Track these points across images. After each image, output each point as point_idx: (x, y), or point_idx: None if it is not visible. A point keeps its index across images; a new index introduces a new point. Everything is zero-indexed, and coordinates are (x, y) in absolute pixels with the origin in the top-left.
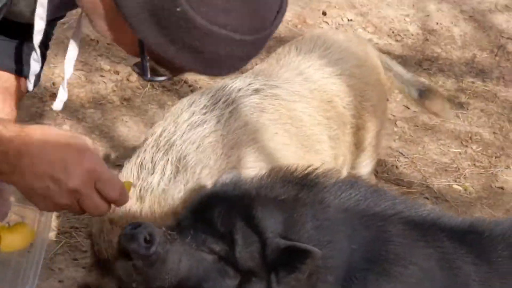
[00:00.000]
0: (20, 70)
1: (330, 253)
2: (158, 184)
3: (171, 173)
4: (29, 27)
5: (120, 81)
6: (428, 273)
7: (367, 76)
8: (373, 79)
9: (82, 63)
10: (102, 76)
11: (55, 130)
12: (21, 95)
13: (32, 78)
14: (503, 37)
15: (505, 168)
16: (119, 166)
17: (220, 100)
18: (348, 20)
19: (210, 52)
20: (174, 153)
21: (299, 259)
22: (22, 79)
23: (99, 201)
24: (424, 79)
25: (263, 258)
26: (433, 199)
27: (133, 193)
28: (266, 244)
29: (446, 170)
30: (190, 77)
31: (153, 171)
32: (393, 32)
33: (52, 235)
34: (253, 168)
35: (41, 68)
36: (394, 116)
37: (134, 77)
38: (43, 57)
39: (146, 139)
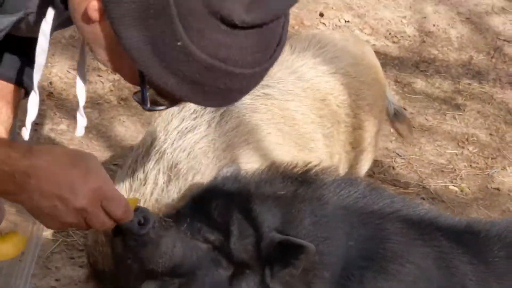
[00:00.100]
0: (18, 80)
1: (327, 250)
2: (151, 194)
3: (163, 182)
4: (29, 39)
5: (117, 81)
6: (425, 272)
7: (363, 75)
8: (370, 78)
9: None
10: (99, 76)
11: (61, 149)
12: (18, 104)
13: (28, 125)
14: (499, 39)
15: (501, 169)
16: (116, 166)
17: None
18: (345, 21)
19: (210, 86)
20: (165, 162)
21: (293, 254)
22: (20, 88)
23: (105, 218)
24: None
25: (257, 251)
26: (430, 200)
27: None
28: (261, 238)
29: (442, 171)
30: None
31: (145, 182)
32: (390, 33)
33: (48, 233)
34: (246, 169)
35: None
36: None
37: None
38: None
39: (137, 148)
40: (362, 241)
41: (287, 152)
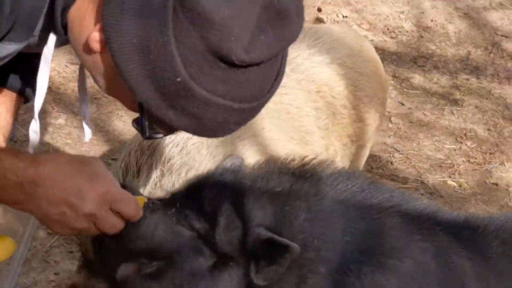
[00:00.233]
0: (19, 87)
1: (323, 245)
2: (144, 187)
3: (156, 176)
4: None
5: None
6: (423, 267)
7: (361, 66)
8: (369, 70)
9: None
10: None
11: (66, 157)
12: (18, 111)
13: (31, 150)
14: (497, 34)
15: (499, 164)
16: (115, 160)
17: None
18: (343, 16)
19: (208, 119)
20: (158, 157)
21: (278, 253)
22: (20, 96)
23: (115, 221)
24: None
25: (243, 245)
26: (428, 195)
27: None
28: (248, 233)
29: (440, 166)
30: None
31: (138, 175)
32: (388, 29)
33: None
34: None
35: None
36: (389, 112)
37: None
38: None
39: (131, 142)
40: (360, 235)
41: (282, 146)
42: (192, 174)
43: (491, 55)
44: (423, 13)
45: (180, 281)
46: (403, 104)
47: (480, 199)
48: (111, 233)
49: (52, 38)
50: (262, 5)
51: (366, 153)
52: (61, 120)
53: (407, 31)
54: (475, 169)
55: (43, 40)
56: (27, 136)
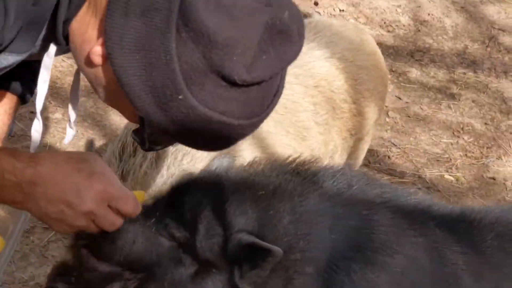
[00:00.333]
0: (17, 90)
1: (308, 246)
2: (141, 166)
3: (152, 157)
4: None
5: None
6: (415, 262)
7: (362, 59)
8: (369, 64)
9: None
10: None
11: (64, 155)
12: (15, 112)
13: (32, 150)
14: (494, 28)
15: (496, 158)
16: None
17: None
18: (340, 10)
19: (208, 135)
20: None
21: (261, 257)
22: (18, 98)
23: (114, 218)
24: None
25: (224, 252)
26: (425, 189)
27: (116, 172)
28: (229, 239)
29: (438, 160)
30: None
31: (135, 154)
32: (384, 22)
33: None
34: (236, 157)
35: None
36: (386, 106)
37: None
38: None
39: (128, 124)
40: (348, 232)
41: (278, 140)
42: (188, 159)
43: (488, 49)
44: (420, 7)
45: None
46: (400, 98)
47: (478, 193)
48: (110, 231)
49: (52, 48)
50: (265, 26)
51: (365, 147)
52: (58, 115)
53: (404, 25)
54: (472, 163)
55: (44, 49)
56: (24, 130)
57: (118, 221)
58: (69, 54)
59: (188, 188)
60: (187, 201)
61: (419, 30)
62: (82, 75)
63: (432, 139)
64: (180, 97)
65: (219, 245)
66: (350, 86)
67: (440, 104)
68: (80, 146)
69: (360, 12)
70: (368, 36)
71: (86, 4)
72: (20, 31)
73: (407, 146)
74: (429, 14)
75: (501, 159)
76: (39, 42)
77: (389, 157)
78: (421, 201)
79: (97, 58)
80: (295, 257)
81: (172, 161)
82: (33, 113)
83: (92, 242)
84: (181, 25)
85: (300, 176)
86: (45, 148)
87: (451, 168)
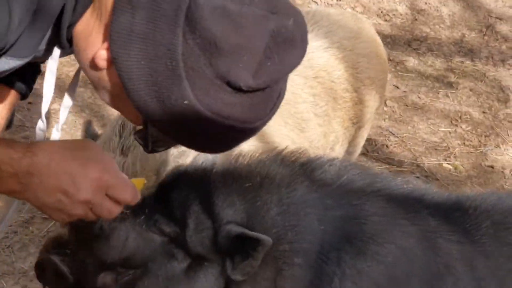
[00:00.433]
0: (17, 85)
1: (296, 237)
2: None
3: None
4: None
5: None
6: (407, 252)
7: (361, 48)
8: (369, 52)
9: None
10: None
11: (60, 144)
12: (13, 107)
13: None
14: (491, 16)
15: (494, 147)
16: None
17: None
18: (337, 0)
19: (211, 138)
20: None
21: (251, 247)
22: (17, 94)
23: (112, 206)
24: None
25: (215, 244)
26: (424, 178)
27: (116, 148)
28: (218, 231)
29: (436, 149)
30: None
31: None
32: (382, 12)
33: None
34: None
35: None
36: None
37: None
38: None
39: None
40: (338, 223)
41: (277, 131)
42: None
43: (486, 37)
44: None
45: (156, 287)
46: (397, 87)
47: (476, 182)
48: (109, 218)
49: (57, 51)
50: (270, 34)
51: (365, 135)
52: (55, 105)
53: (401, 14)
54: (471, 152)
55: (48, 52)
56: (22, 121)
57: (116, 209)
58: None
59: (176, 184)
60: (175, 196)
61: (416, 19)
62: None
63: (430, 128)
64: (185, 102)
65: (209, 238)
66: (351, 75)
67: (438, 93)
68: (78, 135)
69: (357, 1)
70: (367, 24)
71: (90, 8)
72: (23, 35)
73: (405, 135)
74: (426, 3)
75: (499, 148)
76: (43, 46)
77: (387, 146)
78: (415, 189)
79: (102, 62)
80: (284, 248)
81: None
82: (31, 103)
83: (87, 239)
84: (187, 32)
85: (288, 167)
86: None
87: (449, 157)
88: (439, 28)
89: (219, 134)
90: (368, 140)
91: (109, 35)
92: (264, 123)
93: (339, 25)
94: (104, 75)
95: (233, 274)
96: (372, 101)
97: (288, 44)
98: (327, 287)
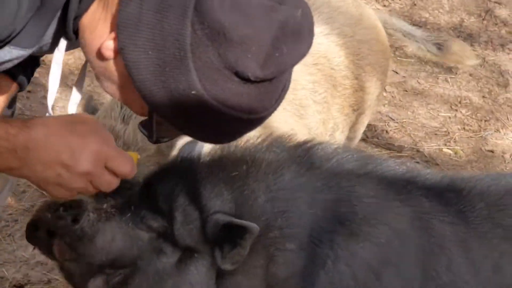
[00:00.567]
0: (17, 77)
1: (287, 223)
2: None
3: None
4: None
5: None
6: (399, 233)
7: (362, 34)
8: (370, 38)
9: None
10: None
11: (57, 118)
12: (10, 98)
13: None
14: (490, 1)
15: (494, 131)
16: None
17: None
18: None
19: (217, 128)
20: None
21: (238, 235)
22: (16, 84)
23: (111, 178)
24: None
25: (203, 235)
26: (424, 163)
27: (117, 117)
28: (206, 222)
29: (436, 134)
30: None
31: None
32: None
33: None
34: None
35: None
36: None
37: None
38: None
39: None
40: (328, 206)
41: (275, 116)
42: None
43: (485, 22)
44: None
45: (147, 284)
46: (397, 73)
47: (476, 166)
48: (108, 191)
49: (63, 43)
50: (279, 25)
51: (365, 121)
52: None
53: None
54: (471, 137)
55: (54, 46)
56: (21, 109)
57: (115, 182)
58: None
59: (160, 177)
60: (161, 190)
61: (415, 4)
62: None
63: (430, 113)
64: (193, 92)
65: (198, 230)
66: (351, 61)
67: (437, 78)
68: None
69: None
70: (369, 10)
71: None
72: (27, 24)
73: (404, 120)
74: None
75: (499, 132)
76: (50, 39)
77: (387, 131)
78: (408, 171)
79: (109, 53)
80: (274, 234)
81: None
82: (30, 92)
83: (72, 243)
84: (196, 22)
85: (274, 153)
86: None
87: (449, 142)
88: (438, 13)
89: (225, 124)
90: (368, 125)
91: (116, 25)
92: (270, 114)
93: (339, 11)
94: (110, 65)
95: (223, 263)
96: (373, 88)
97: (296, 35)
98: (320, 271)
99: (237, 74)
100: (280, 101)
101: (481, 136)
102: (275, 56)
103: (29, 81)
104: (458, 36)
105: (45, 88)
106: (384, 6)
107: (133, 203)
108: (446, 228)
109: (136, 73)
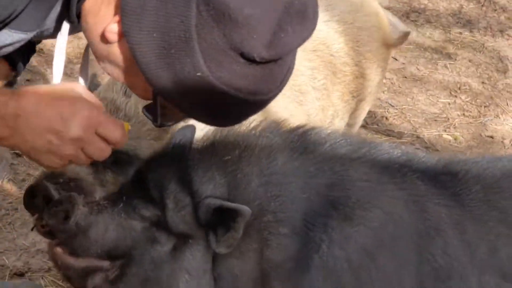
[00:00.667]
0: (10, 58)
1: (280, 207)
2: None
3: None
4: None
5: None
6: (394, 216)
7: (362, 21)
8: (370, 25)
9: None
10: None
11: (46, 86)
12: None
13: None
14: None
15: (494, 117)
16: None
17: None
18: None
19: (223, 111)
20: None
21: (231, 218)
22: (11, 70)
23: (102, 145)
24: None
25: (197, 220)
26: (424, 149)
27: (119, 90)
28: (198, 206)
29: (435, 120)
30: None
31: None
32: None
33: None
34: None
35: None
36: None
37: None
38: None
39: None
40: (322, 190)
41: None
42: None
43: (484, 8)
44: None
45: (144, 273)
46: (396, 59)
47: (476, 152)
48: (100, 160)
49: (66, 26)
50: (284, 5)
51: (366, 107)
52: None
53: None
54: (470, 123)
55: (57, 29)
56: None
57: (107, 150)
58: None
59: (151, 166)
60: (151, 178)
61: None
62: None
63: (430, 99)
64: (198, 74)
65: (190, 215)
66: (351, 48)
67: (437, 64)
68: None
69: None
70: None
71: None
72: (28, 6)
73: (404, 106)
74: None
75: (499, 118)
76: (53, 23)
77: (386, 118)
78: (403, 154)
79: (113, 36)
80: (268, 219)
81: None
82: (29, 80)
83: (66, 240)
84: (201, 3)
85: (267, 138)
86: None
87: (449, 128)
88: None
89: (230, 106)
90: (368, 112)
91: (120, 8)
92: (275, 96)
93: None
94: (114, 49)
95: (217, 247)
96: (373, 75)
97: (301, 16)
98: (315, 255)
99: (242, 55)
100: (285, 83)
101: (481, 122)
102: (281, 36)
103: (24, 66)
104: (457, 22)
105: (44, 77)
106: None
107: (126, 194)
108: (442, 211)
109: (141, 56)
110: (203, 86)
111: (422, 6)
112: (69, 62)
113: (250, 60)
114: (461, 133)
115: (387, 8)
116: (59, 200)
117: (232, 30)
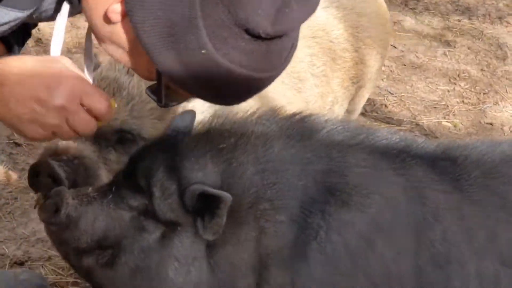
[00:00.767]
0: (6, 40)
1: (276, 194)
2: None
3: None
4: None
5: None
6: (392, 201)
7: (362, 7)
8: (370, 11)
9: None
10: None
11: (32, 56)
12: None
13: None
14: None
15: (493, 104)
16: None
17: None
18: None
19: (228, 88)
20: None
21: (214, 205)
22: (5, 49)
23: (87, 117)
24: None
25: (184, 207)
26: (423, 137)
27: (122, 68)
28: (183, 194)
29: (435, 107)
30: None
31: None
32: None
33: None
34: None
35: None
36: None
37: None
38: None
39: None
40: (319, 177)
41: (273, 88)
42: None
43: None
44: None
45: (133, 262)
46: (395, 47)
47: (475, 139)
48: (84, 133)
49: (65, 7)
50: None
51: (365, 94)
52: None
53: None
54: (470, 110)
55: (57, 11)
56: None
57: (92, 123)
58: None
59: (140, 155)
60: (139, 167)
61: None
62: None
63: (429, 87)
64: (203, 51)
65: (177, 203)
66: (351, 34)
67: (436, 52)
68: None
69: None
70: None
71: None
72: None
73: (403, 94)
74: None
75: (498, 105)
76: (53, 4)
77: (386, 105)
78: (401, 140)
79: (115, 16)
80: (264, 207)
81: None
82: None
83: (58, 231)
84: None
85: (264, 126)
86: None
87: (448, 115)
88: None
89: (235, 84)
90: (367, 100)
91: None
92: (279, 73)
93: None
94: (117, 29)
95: (204, 233)
96: (373, 61)
97: None
98: (312, 241)
99: (247, 31)
100: (289, 60)
101: (480, 109)
102: (285, 12)
103: (19, 50)
104: (456, 10)
105: None
106: None
107: (116, 184)
108: (441, 196)
109: (144, 35)
110: (207, 63)
111: None
112: (67, 51)
113: (255, 36)
114: (460, 120)
115: None
116: (50, 194)
117: (236, 6)
